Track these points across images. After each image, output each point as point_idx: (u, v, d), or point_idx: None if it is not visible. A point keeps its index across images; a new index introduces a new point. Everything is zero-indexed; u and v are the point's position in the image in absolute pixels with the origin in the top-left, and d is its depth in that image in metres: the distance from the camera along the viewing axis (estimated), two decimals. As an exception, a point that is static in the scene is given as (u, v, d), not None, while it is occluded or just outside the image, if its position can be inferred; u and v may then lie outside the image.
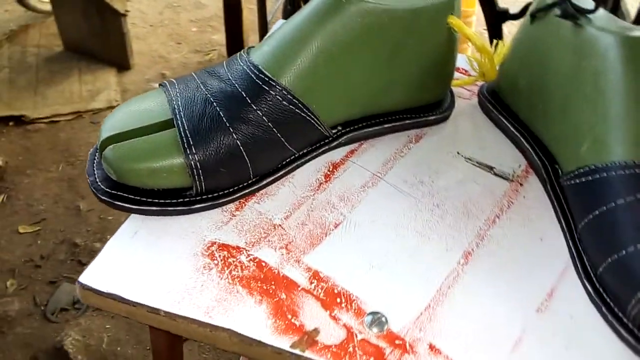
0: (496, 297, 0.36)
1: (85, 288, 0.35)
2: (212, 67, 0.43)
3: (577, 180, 0.38)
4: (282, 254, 0.38)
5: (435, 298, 0.36)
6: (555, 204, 0.41)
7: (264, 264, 0.37)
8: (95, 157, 0.41)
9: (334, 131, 0.45)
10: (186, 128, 0.38)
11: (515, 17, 0.92)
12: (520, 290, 0.37)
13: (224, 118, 0.39)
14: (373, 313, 0.35)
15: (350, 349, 0.33)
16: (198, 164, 0.38)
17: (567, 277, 0.38)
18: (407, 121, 0.48)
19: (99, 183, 0.39)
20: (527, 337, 0.34)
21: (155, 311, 0.34)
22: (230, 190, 0.41)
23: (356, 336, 0.34)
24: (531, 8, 0.45)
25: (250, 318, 0.34)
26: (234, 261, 0.37)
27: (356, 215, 0.41)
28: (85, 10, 1.52)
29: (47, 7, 1.66)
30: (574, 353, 0.34)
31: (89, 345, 0.98)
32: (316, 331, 0.34)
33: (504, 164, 0.46)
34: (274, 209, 0.41)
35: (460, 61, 0.54)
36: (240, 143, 0.39)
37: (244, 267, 0.37)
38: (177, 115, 0.39)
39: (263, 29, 1.25)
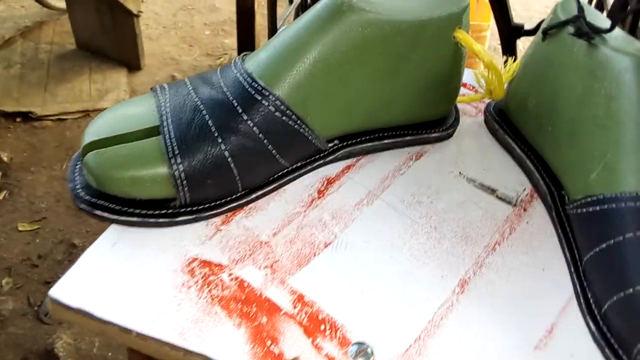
0: (492, 332, 0.34)
1: (56, 302, 0.34)
2: (206, 73, 0.41)
3: (585, 210, 0.36)
4: (267, 274, 0.36)
5: (426, 329, 0.34)
6: (560, 232, 0.39)
7: (246, 284, 0.35)
8: (78, 162, 0.39)
9: (330, 145, 0.43)
10: (172, 136, 0.36)
11: (530, 33, 0.89)
12: (519, 324, 0.34)
13: (212, 127, 0.37)
14: (359, 343, 0.33)
15: (332, 382, 0.31)
16: (183, 174, 0.36)
17: (569, 312, 0.35)
18: (408, 137, 0.45)
19: (79, 190, 0.38)
20: (523, 377, 0.32)
21: (127, 331, 0.32)
22: (217, 203, 0.39)
23: (339, 367, 0.32)
24: (544, 24, 0.43)
25: (227, 343, 0.32)
26: (214, 279, 0.35)
27: (348, 234, 0.39)
28: (99, 9, 1.52)
29: (62, 4, 1.66)
30: (573, 398, 0.31)
31: (80, 349, 0.96)
32: (296, 360, 0.32)
33: (508, 187, 0.43)
34: (262, 224, 0.39)
35: (468, 77, 0.52)
36: (229, 154, 0.37)
37: (224, 286, 0.35)
38: (164, 122, 0.37)
39: (272, 34, 1.23)
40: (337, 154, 0.43)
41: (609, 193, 0.34)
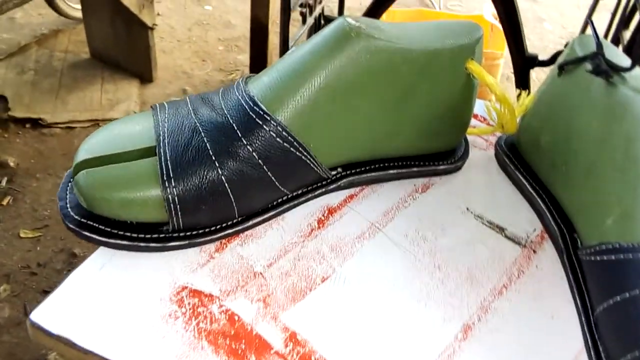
0: (494, 383, 0.32)
1: (36, 326, 0.32)
2: (208, 93, 0.40)
3: (599, 257, 0.34)
4: (259, 308, 0.34)
5: (424, 377, 0.32)
6: (572, 278, 0.37)
7: (236, 317, 0.33)
8: (70, 180, 0.38)
9: (333, 173, 0.41)
10: (168, 158, 0.35)
11: (544, 63, 0.88)
12: (523, 377, 0.32)
13: (210, 150, 0.35)
14: (351, 389, 0.31)
15: None
16: (176, 198, 0.35)
17: (579, 366, 0.33)
18: (415, 169, 0.44)
19: (69, 209, 0.36)
20: None
21: (106, 362, 0.31)
22: (212, 229, 0.37)
23: (328, 415, 0.30)
24: (560, 59, 0.41)
25: (211, 381, 0.30)
26: (203, 311, 0.34)
27: (347, 269, 0.37)
28: (114, 20, 1.52)
29: (78, 13, 1.68)
30: None
31: (72, 363, 0.94)
32: (283, 404, 0.30)
33: (518, 226, 0.41)
34: (258, 253, 0.37)
35: (479, 107, 0.50)
36: (226, 179, 0.36)
37: (214, 319, 0.33)
38: (161, 143, 0.36)
39: (284, 53, 1.23)
40: (339, 183, 0.42)
41: (625, 243, 0.32)
